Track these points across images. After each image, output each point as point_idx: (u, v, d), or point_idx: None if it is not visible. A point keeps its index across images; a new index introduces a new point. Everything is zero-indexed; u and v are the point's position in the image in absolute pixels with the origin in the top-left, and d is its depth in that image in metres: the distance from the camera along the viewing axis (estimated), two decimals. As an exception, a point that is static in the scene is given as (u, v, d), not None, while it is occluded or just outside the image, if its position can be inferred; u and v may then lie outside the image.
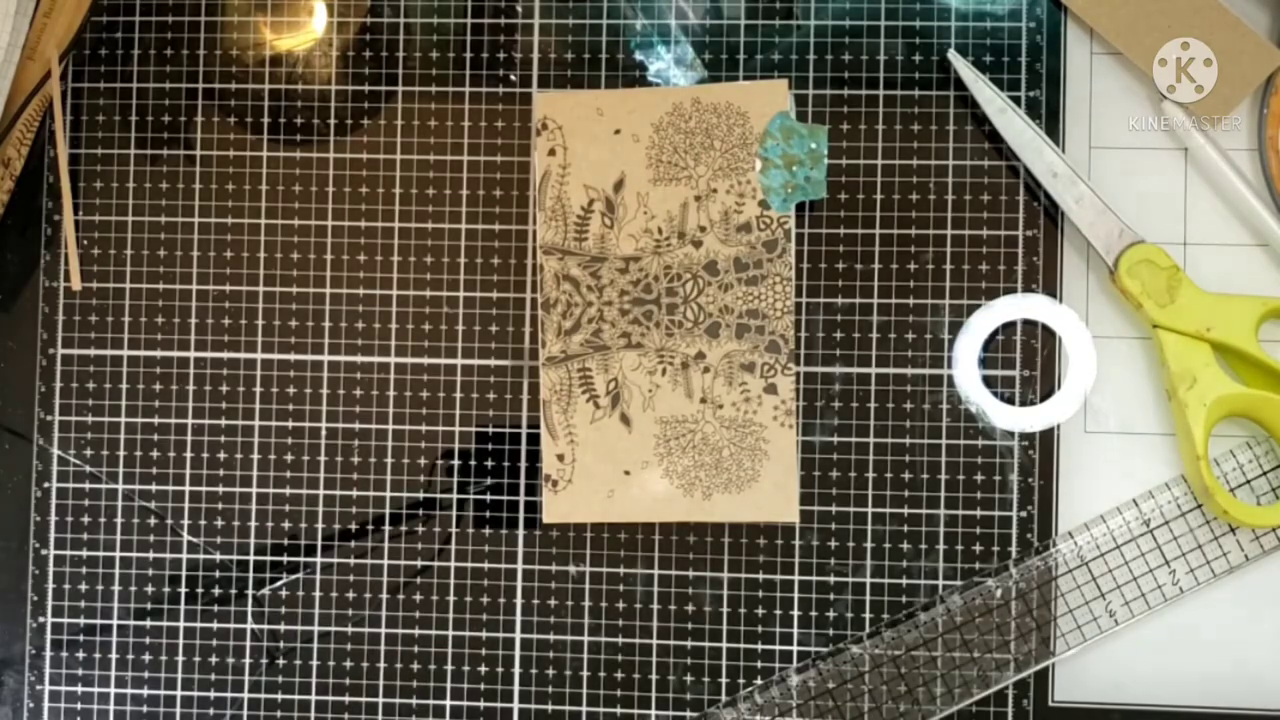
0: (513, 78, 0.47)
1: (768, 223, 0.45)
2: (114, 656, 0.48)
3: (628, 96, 0.45)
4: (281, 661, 0.47)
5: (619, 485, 0.45)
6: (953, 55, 0.45)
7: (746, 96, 0.45)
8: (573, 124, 0.45)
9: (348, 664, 0.47)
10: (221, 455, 0.48)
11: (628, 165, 0.45)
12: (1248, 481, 0.45)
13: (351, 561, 0.47)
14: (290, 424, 0.47)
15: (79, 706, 0.48)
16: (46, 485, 0.48)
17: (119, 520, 0.48)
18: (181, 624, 0.48)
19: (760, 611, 0.46)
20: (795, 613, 0.46)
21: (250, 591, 0.47)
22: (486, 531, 0.47)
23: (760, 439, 0.45)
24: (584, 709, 0.46)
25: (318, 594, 0.47)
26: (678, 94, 0.45)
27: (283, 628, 0.47)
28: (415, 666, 0.47)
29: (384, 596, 0.47)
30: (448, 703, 0.47)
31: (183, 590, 0.48)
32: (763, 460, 0.45)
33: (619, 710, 0.46)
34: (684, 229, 0.45)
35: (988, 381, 0.46)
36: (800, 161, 0.44)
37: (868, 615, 0.46)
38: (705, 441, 0.45)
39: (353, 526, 0.47)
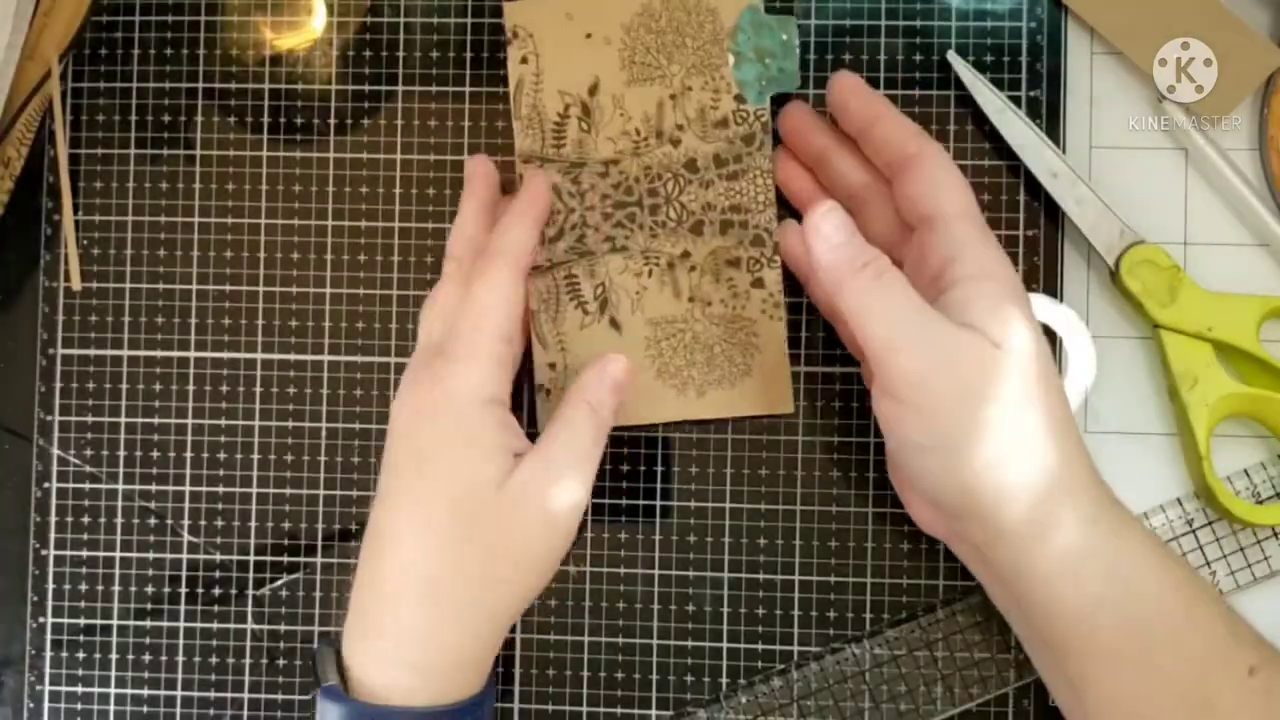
0: (513, 78, 0.47)
1: (744, 117, 0.44)
2: (114, 656, 0.48)
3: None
4: (281, 661, 0.47)
5: None
6: (952, 56, 0.45)
7: None
8: (543, 31, 0.45)
9: (347, 664, 0.47)
10: (221, 455, 0.48)
11: (601, 69, 0.45)
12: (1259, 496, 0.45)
13: (351, 561, 0.47)
14: (290, 424, 0.47)
15: (79, 706, 0.48)
16: (46, 485, 0.48)
17: (119, 520, 0.48)
18: (181, 624, 0.48)
19: (760, 611, 0.46)
20: (795, 613, 0.46)
21: (250, 591, 0.47)
22: (486, 531, 0.47)
23: (750, 333, 0.45)
24: (584, 709, 0.46)
25: (318, 594, 0.47)
26: None
27: (283, 628, 0.47)
28: (415, 667, 0.47)
29: (384, 596, 0.47)
30: (448, 703, 0.47)
31: (183, 590, 0.48)
32: (754, 354, 0.45)
33: (619, 710, 0.46)
34: (661, 128, 0.45)
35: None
36: (772, 54, 0.44)
37: (868, 615, 0.46)
38: (696, 340, 0.45)
39: (353, 526, 0.47)
